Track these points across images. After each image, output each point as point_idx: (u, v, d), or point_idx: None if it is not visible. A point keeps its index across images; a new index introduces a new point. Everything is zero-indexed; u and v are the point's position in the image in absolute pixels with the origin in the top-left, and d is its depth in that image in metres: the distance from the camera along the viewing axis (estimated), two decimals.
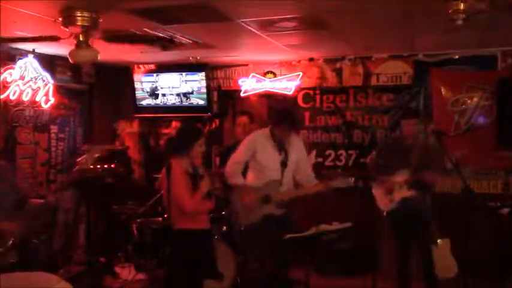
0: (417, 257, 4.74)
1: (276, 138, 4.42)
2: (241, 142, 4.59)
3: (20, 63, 5.68)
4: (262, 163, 4.42)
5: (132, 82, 7.10)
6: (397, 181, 4.66)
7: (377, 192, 4.83)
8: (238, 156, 4.48)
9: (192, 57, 6.33)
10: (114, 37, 5.04)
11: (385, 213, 4.76)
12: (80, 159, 3.80)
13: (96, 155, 3.92)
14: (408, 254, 4.73)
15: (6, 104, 5.59)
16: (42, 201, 3.74)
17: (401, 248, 4.74)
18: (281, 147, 4.44)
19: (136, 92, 7.13)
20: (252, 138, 4.50)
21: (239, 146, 4.55)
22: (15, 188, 3.72)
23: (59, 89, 6.28)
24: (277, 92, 6.64)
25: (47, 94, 6.03)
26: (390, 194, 4.70)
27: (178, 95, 6.94)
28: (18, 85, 5.66)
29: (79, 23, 3.98)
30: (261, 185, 4.38)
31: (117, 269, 5.71)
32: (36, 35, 4.87)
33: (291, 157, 4.46)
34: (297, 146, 4.53)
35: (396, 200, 4.67)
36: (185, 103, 6.93)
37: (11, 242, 3.25)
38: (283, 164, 4.42)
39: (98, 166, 5.53)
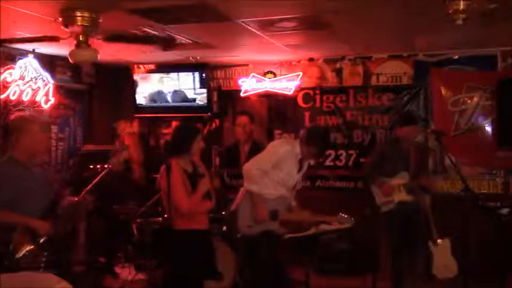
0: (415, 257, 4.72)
1: (301, 157, 4.13)
2: (272, 147, 4.22)
3: (20, 63, 5.69)
4: (283, 178, 4.11)
5: (132, 82, 7.11)
6: (397, 183, 4.65)
7: (376, 191, 4.79)
8: (266, 165, 4.07)
9: (192, 57, 6.33)
10: (114, 37, 5.04)
11: (382, 211, 4.74)
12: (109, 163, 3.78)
13: (123, 158, 3.89)
14: (403, 253, 4.69)
15: (6, 104, 5.60)
16: (76, 199, 3.76)
17: (396, 247, 4.71)
18: (301, 166, 4.18)
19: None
20: (288, 152, 4.09)
21: (269, 152, 4.17)
22: (50, 188, 3.69)
23: (59, 89, 6.28)
24: (277, 92, 6.65)
25: (47, 94, 6.02)
26: (389, 195, 4.67)
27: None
28: (18, 85, 5.67)
29: (79, 23, 3.99)
30: (271, 198, 4.11)
31: (117, 269, 5.71)
32: (36, 35, 4.87)
33: (300, 178, 4.25)
34: (305, 166, 4.29)
35: (395, 202, 4.66)
36: (185, 103, 6.93)
37: (42, 240, 3.28)
38: (295, 184, 4.22)
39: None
